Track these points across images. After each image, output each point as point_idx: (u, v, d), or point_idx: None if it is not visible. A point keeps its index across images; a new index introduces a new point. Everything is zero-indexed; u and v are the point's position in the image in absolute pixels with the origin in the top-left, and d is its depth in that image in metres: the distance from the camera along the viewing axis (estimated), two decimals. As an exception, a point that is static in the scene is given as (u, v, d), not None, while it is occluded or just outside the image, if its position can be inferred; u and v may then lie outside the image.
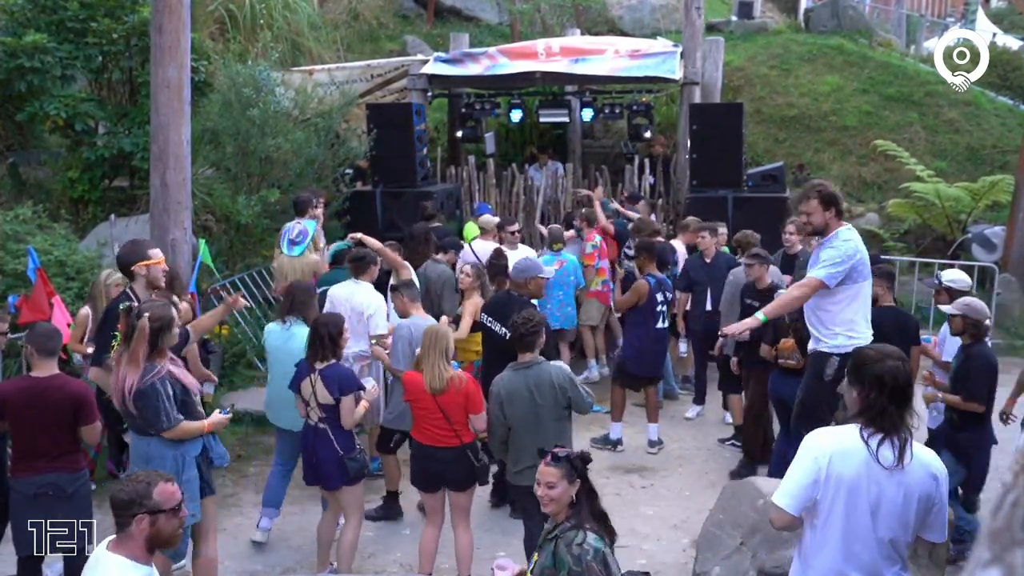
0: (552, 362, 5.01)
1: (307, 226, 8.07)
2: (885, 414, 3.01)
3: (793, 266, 7.45)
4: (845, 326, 4.92)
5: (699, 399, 8.33)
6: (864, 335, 4.93)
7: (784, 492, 3.11)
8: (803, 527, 3.18)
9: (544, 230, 9.40)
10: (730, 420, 7.83)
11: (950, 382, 5.59)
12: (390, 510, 6.14)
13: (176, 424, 4.50)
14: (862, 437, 3.02)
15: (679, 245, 8.67)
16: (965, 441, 5.50)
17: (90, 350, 5.99)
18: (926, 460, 3.07)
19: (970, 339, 5.46)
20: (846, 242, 4.82)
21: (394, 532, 6.05)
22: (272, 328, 5.91)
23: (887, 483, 2.98)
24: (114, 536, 3.16)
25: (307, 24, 14.29)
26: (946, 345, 5.90)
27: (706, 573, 4.81)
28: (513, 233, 8.43)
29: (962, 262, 10.71)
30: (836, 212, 4.90)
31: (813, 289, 4.86)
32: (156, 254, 5.22)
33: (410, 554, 5.70)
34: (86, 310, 6.23)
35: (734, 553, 4.81)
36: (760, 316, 5.06)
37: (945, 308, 5.59)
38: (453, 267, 7.74)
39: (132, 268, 5.13)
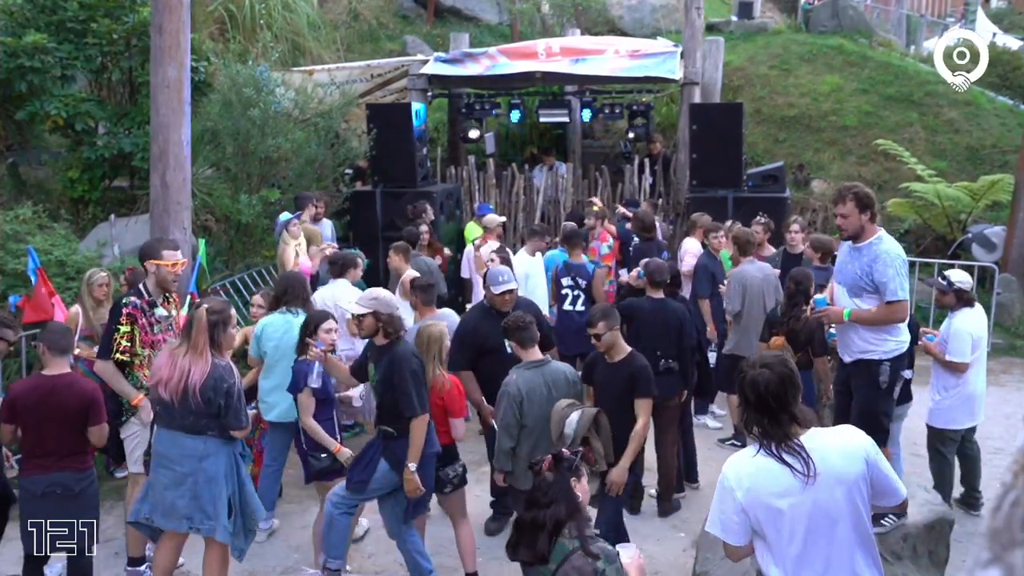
0: (560, 363, 5.09)
1: (279, 219, 8.49)
2: (759, 424, 2.92)
3: (796, 265, 7.40)
4: (893, 331, 4.94)
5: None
6: (905, 337, 4.98)
7: (721, 528, 3.00)
8: (755, 544, 3.05)
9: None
10: (719, 417, 7.84)
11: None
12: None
13: (248, 425, 4.64)
14: (770, 453, 2.90)
15: (692, 243, 8.51)
16: (401, 450, 4.85)
17: (78, 350, 6.03)
18: (842, 445, 2.93)
19: (385, 339, 4.79)
20: (896, 255, 4.81)
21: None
22: (272, 319, 5.83)
23: (813, 488, 2.85)
24: None
25: (307, 24, 14.30)
26: (955, 343, 5.89)
27: (706, 573, 4.82)
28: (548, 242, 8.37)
29: (962, 262, 10.71)
30: (870, 215, 4.86)
31: (905, 310, 4.84)
32: (171, 256, 5.21)
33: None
34: (76, 308, 6.32)
35: (734, 553, 4.81)
36: (845, 313, 4.97)
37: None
38: None
39: (144, 264, 5.21)
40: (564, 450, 3.41)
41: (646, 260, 6.59)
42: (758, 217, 8.28)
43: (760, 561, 3.02)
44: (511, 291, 5.75)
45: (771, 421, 2.90)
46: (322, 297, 6.77)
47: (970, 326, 5.86)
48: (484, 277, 6.90)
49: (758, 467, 2.91)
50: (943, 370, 5.95)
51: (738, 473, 2.95)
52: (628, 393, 4.94)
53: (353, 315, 4.80)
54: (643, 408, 4.94)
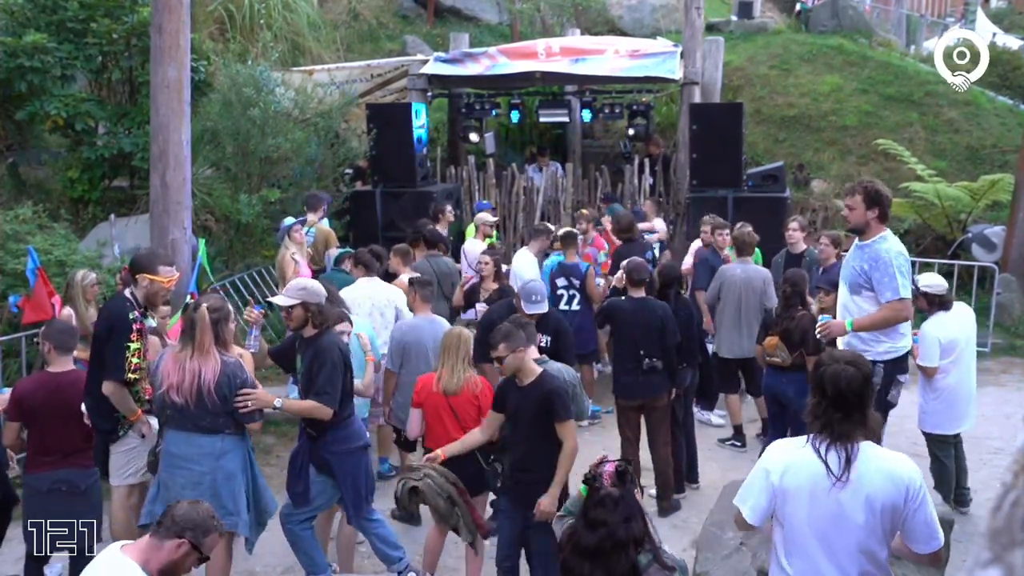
0: (557, 363, 5.04)
1: (284, 222, 8.48)
2: (829, 420, 2.91)
3: (798, 265, 7.41)
4: (890, 333, 4.90)
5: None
6: (905, 342, 4.93)
7: (745, 501, 3.06)
8: (773, 532, 3.12)
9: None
10: (720, 418, 7.85)
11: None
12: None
13: (262, 419, 4.61)
14: (814, 447, 2.92)
15: (699, 243, 8.40)
16: (324, 451, 4.78)
17: (75, 353, 5.96)
18: (888, 467, 2.90)
19: (314, 329, 4.75)
20: (897, 254, 4.80)
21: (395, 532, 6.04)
22: None
23: (843, 493, 2.87)
24: (132, 542, 3.13)
25: (307, 24, 14.30)
26: (923, 347, 5.87)
27: (706, 573, 4.82)
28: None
29: (962, 262, 10.71)
30: (879, 214, 4.85)
31: (909, 309, 4.82)
32: (167, 272, 5.06)
33: (411, 553, 5.70)
34: (68, 311, 6.14)
35: (734, 553, 4.81)
36: (848, 324, 5.02)
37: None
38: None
39: (136, 275, 5.04)
40: (623, 462, 3.35)
41: (626, 260, 6.62)
42: (705, 217, 8.30)
43: (775, 545, 3.07)
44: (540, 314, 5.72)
45: (842, 418, 2.90)
46: (353, 297, 6.51)
47: (940, 331, 5.82)
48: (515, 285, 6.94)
49: (802, 457, 2.94)
50: (924, 378, 5.97)
51: (781, 457, 3.00)
52: (542, 417, 4.50)
53: (281, 307, 4.75)
54: (566, 431, 4.50)
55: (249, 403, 4.46)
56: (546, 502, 4.50)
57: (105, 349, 4.82)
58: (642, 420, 6.32)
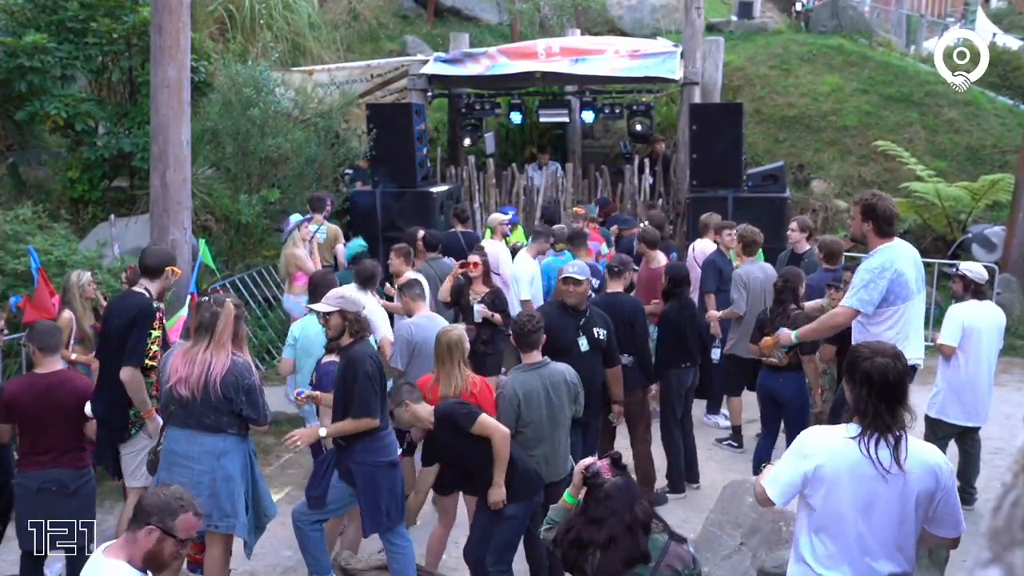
0: (560, 364, 4.99)
1: (290, 219, 8.53)
2: (877, 413, 2.96)
3: (798, 265, 7.37)
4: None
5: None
6: (912, 357, 4.92)
7: (773, 481, 3.10)
8: (796, 523, 3.17)
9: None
10: (722, 422, 7.85)
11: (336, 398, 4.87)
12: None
13: (268, 419, 4.61)
14: (856, 438, 2.97)
15: (705, 244, 8.26)
16: (350, 459, 4.78)
17: (74, 356, 5.97)
18: (923, 456, 2.98)
19: (351, 338, 4.75)
20: (874, 269, 4.78)
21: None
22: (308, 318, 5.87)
23: (881, 485, 2.92)
24: (113, 542, 3.13)
25: (307, 24, 14.29)
26: (945, 326, 5.97)
27: (706, 573, 4.82)
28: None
29: (962, 262, 10.70)
30: (874, 227, 4.82)
31: (847, 317, 4.83)
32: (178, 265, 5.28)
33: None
34: (68, 314, 6.11)
35: (734, 553, 4.82)
36: (793, 335, 5.20)
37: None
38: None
39: (164, 269, 5.11)
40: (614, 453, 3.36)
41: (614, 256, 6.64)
42: (644, 223, 8.32)
43: (801, 525, 3.11)
44: (572, 279, 5.58)
45: (889, 409, 2.96)
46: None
47: (966, 315, 5.91)
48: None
49: (844, 446, 2.98)
50: (942, 360, 6.01)
51: (821, 444, 3.04)
52: None
53: (319, 313, 4.79)
54: (483, 428, 4.53)
55: (299, 444, 4.58)
56: (493, 492, 4.57)
57: (129, 337, 4.89)
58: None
